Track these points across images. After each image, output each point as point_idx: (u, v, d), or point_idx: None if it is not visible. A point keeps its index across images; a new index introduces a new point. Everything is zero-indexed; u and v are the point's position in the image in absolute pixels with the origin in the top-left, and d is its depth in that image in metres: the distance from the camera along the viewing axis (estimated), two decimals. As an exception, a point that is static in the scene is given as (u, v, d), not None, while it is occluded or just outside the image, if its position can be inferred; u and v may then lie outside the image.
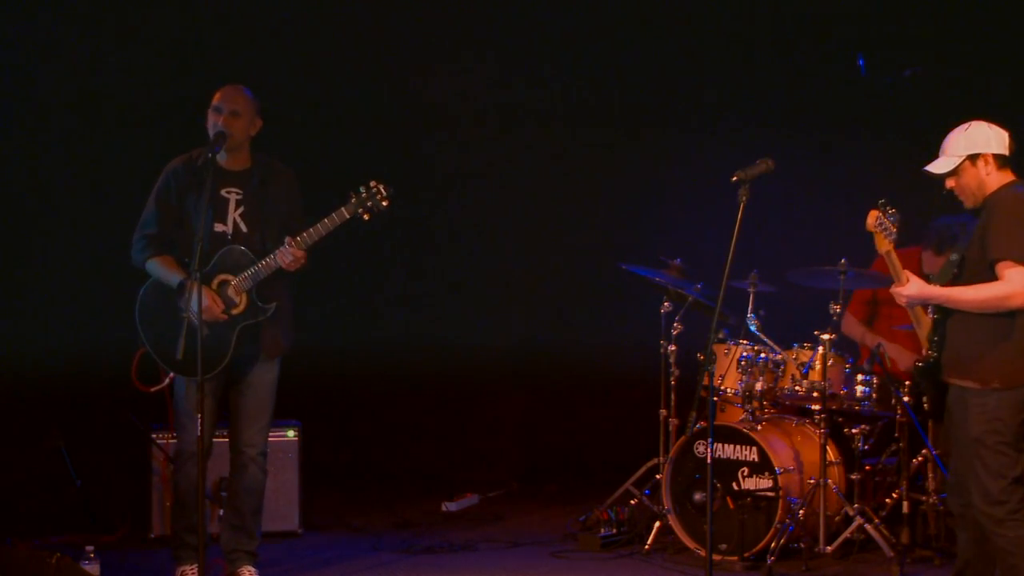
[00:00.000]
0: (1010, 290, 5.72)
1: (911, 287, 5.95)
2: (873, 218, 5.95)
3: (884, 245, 5.96)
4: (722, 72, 9.63)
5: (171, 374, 6.90)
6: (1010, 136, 6.00)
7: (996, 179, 5.93)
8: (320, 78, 9.46)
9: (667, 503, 7.46)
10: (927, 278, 6.20)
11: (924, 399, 6.28)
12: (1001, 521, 5.77)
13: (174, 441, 7.81)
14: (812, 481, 7.29)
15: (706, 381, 6.24)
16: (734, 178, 5.93)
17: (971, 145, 5.94)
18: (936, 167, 5.99)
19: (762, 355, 7.55)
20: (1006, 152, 5.95)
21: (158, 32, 9.25)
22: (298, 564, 7.38)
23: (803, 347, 7.53)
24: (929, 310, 6.06)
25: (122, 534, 7.84)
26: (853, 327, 8.08)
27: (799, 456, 7.42)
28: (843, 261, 7.37)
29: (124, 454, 8.23)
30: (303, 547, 7.75)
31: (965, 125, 6.00)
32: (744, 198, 5.88)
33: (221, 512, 7.78)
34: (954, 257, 6.02)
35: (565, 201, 9.78)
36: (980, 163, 5.93)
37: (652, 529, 7.57)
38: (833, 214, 9.02)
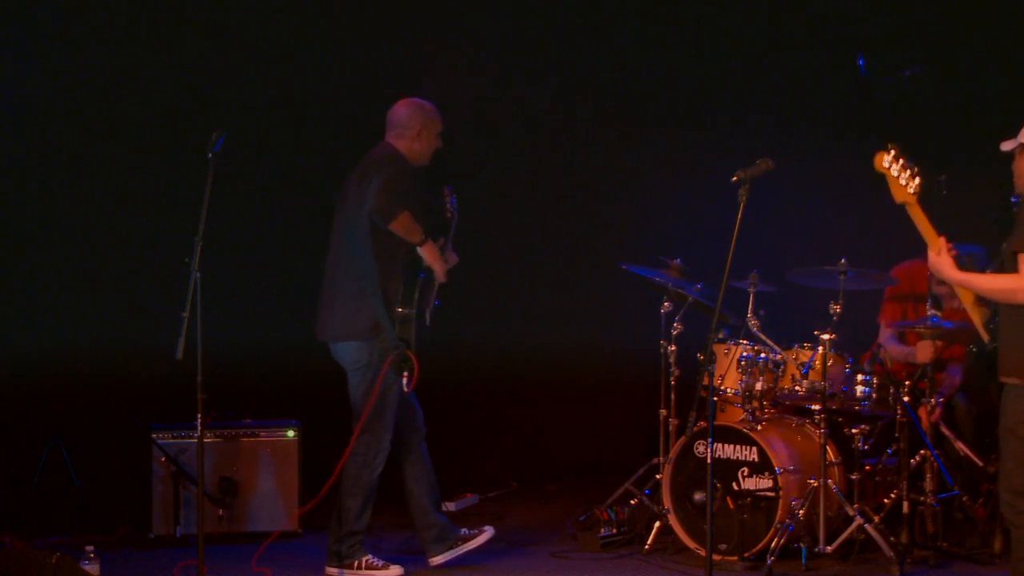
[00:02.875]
0: (1018, 284, 5.67)
1: (938, 261, 5.87)
2: (881, 159, 5.81)
3: (900, 194, 5.81)
4: (722, 72, 9.63)
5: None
6: None
7: None
8: (319, 77, 9.46)
9: (667, 503, 7.46)
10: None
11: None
12: (1021, 512, 5.77)
13: (175, 441, 7.86)
14: (812, 481, 7.29)
15: (706, 381, 6.25)
16: (734, 178, 5.93)
17: None
18: (1004, 144, 5.88)
19: (762, 355, 7.55)
20: None
21: (159, 32, 9.26)
22: (298, 564, 7.38)
23: (803, 347, 7.52)
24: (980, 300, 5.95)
25: (122, 534, 7.84)
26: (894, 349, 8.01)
27: (799, 456, 7.42)
28: (843, 261, 7.37)
29: (124, 454, 8.23)
30: (303, 547, 7.75)
31: None
32: (744, 198, 5.89)
33: (221, 512, 7.81)
34: (1005, 246, 5.85)
35: (565, 201, 9.78)
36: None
37: (652, 529, 7.57)
38: (833, 214, 9.04)
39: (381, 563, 7.15)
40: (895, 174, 5.83)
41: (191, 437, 7.73)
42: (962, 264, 6.05)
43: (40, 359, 8.86)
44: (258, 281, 9.48)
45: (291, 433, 8.03)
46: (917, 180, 5.86)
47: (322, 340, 7.24)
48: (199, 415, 6.41)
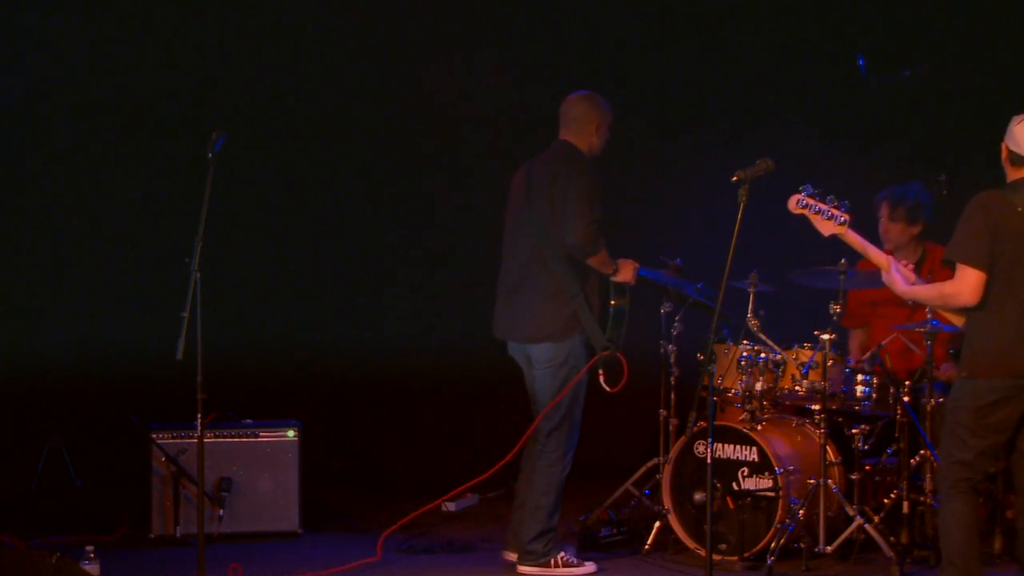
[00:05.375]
0: (952, 289, 5.96)
1: (888, 279, 6.17)
2: (793, 201, 6.08)
3: (826, 228, 6.10)
4: (722, 72, 9.63)
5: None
6: None
7: (1008, 174, 6.02)
8: (322, 77, 9.47)
9: (667, 503, 7.46)
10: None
11: None
12: (941, 491, 6.06)
13: (175, 441, 7.86)
14: (812, 481, 7.29)
15: (706, 381, 6.25)
16: (734, 178, 5.96)
17: (1007, 130, 6.00)
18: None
19: (762, 355, 7.54)
20: (1020, 152, 5.95)
21: (161, 32, 9.26)
22: (298, 564, 7.38)
23: (803, 347, 7.52)
24: None
25: (122, 534, 7.84)
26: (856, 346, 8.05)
27: (799, 456, 7.42)
28: (843, 261, 7.37)
29: (124, 454, 8.23)
30: (303, 547, 7.76)
31: None
32: (744, 198, 5.91)
33: (221, 512, 7.81)
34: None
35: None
36: (1002, 151, 6.02)
37: (652, 529, 7.57)
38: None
39: (576, 560, 7.18)
40: (814, 212, 6.11)
41: (191, 437, 7.73)
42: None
43: (40, 359, 8.86)
44: (258, 281, 9.48)
45: (291, 433, 8.03)
46: (842, 209, 6.10)
47: (504, 339, 7.29)
48: (199, 415, 6.42)
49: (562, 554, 7.15)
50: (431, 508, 7.60)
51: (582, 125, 7.18)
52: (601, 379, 7.15)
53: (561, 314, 7.05)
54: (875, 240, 7.84)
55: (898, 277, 6.14)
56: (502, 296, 7.26)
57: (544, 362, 7.13)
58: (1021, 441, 6.02)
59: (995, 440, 5.96)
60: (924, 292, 6.20)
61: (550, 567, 7.11)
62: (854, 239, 6.16)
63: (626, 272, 7.19)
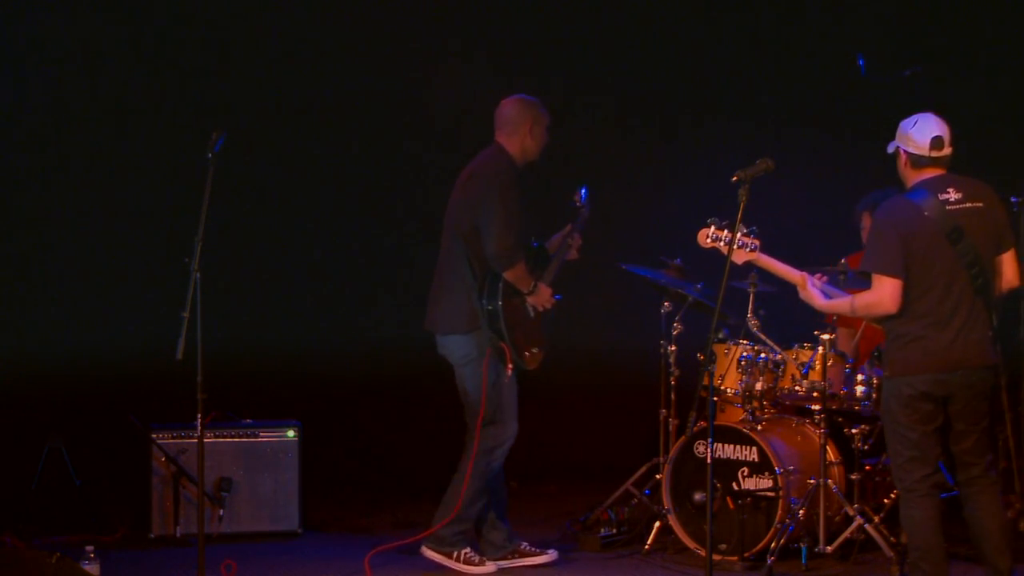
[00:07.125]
0: (871, 299, 6.02)
1: (805, 295, 6.26)
2: (703, 236, 6.16)
3: (739, 256, 6.15)
4: (722, 72, 9.63)
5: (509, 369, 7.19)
6: (951, 136, 6.03)
7: (910, 178, 6.10)
8: (323, 78, 9.47)
9: (667, 503, 7.46)
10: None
11: None
12: (901, 496, 6.15)
13: (175, 441, 7.86)
14: (812, 481, 7.29)
15: (706, 381, 6.26)
16: (734, 178, 5.97)
17: (898, 136, 6.10)
18: (888, 146, 6.19)
19: (762, 355, 7.55)
20: (920, 153, 6.02)
21: (161, 32, 9.26)
22: (298, 564, 7.38)
23: (803, 347, 7.52)
24: None
25: (122, 534, 7.84)
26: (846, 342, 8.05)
27: (799, 456, 7.42)
28: (843, 261, 7.38)
29: (124, 454, 8.24)
30: (303, 547, 7.76)
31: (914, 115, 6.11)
32: (744, 198, 5.92)
33: (221, 512, 7.82)
34: (849, 266, 6.46)
35: (564, 201, 9.77)
36: (900, 157, 6.10)
37: (652, 529, 7.58)
38: (832, 214, 9.04)
39: (478, 558, 7.17)
40: (723, 243, 6.17)
41: (191, 437, 7.74)
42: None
43: (40, 359, 8.86)
44: (258, 281, 9.49)
45: (291, 433, 8.04)
46: (751, 235, 6.17)
47: (428, 331, 7.32)
48: (199, 415, 6.42)
49: (467, 550, 7.14)
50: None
51: (514, 127, 7.25)
52: (508, 371, 7.16)
53: (463, 308, 7.11)
54: (855, 246, 7.92)
55: (815, 292, 6.22)
56: (431, 289, 7.31)
57: (461, 358, 7.19)
58: (951, 443, 6.10)
59: (930, 428, 6.01)
60: (843, 305, 6.23)
61: (451, 558, 7.12)
62: (767, 262, 6.24)
63: (542, 296, 7.25)
